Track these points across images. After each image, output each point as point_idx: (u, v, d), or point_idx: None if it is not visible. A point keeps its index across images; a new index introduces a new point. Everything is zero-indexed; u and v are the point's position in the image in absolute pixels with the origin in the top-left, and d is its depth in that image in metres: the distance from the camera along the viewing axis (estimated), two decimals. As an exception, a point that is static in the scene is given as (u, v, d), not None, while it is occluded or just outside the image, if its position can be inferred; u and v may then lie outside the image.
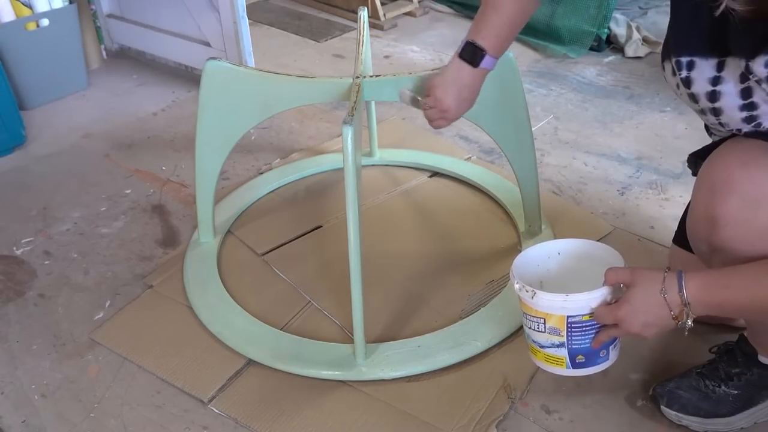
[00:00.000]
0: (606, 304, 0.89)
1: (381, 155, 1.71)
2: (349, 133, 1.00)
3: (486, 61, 1.06)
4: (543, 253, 1.02)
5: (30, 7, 1.94)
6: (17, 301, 1.32)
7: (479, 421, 1.06)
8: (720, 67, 0.81)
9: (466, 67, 1.07)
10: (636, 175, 1.68)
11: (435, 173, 1.67)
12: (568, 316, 0.90)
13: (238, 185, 1.63)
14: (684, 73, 0.85)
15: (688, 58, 0.84)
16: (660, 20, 2.57)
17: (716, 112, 0.84)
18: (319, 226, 1.50)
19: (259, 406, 1.09)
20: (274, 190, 1.63)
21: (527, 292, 0.92)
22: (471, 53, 1.06)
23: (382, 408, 1.09)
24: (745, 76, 0.78)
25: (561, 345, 0.93)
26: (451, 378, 1.14)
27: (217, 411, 1.09)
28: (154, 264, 1.41)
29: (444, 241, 1.46)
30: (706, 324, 1.20)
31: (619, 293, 0.89)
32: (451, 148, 1.79)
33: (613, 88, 2.11)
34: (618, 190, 1.62)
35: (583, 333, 0.91)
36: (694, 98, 0.86)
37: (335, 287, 1.32)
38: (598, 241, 1.42)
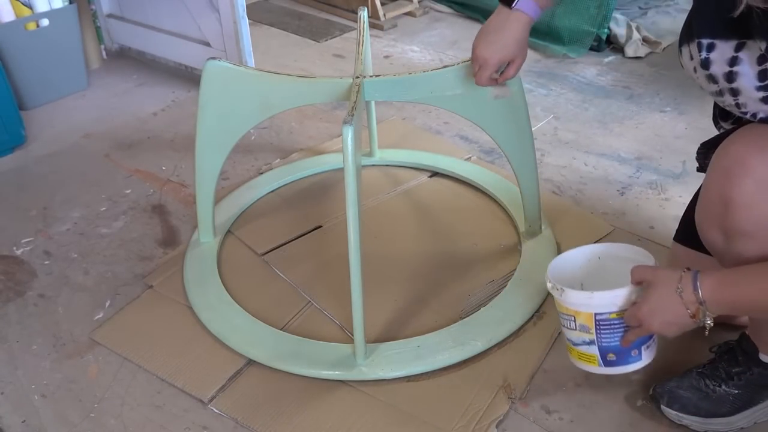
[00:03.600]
0: (632, 302, 0.91)
1: (381, 155, 1.71)
2: (349, 133, 1.00)
3: (521, 2, 1.04)
4: (583, 257, 1.04)
5: (30, 7, 1.94)
6: (17, 301, 1.32)
7: (479, 421, 1.06)
8: (738, 48, 0.82)
9: (501, 10, 1.07)
10: (636, 175, 1.68)
11: (435, 173, 1.67)
12: (595, 314, 0.93)
13: (238, 185, 1.63)
14: (704, 54, 0.86)
15: (709, 40, 0.85)
16: (660, 20, 2.57)
17: (734, 92, 0.85)
18: (319, 226, 1.50)
19: (259, 406, 1.09)
20: (274, 190, 1.63)
21: (557, 290, 0.95)
22: None
23: (382, 408, 1.09)
24: (764, 57, 0.80)
25: (591, 342, 0.95)
26: (451, 378, 1.14)
27: (217, 411, 1.09)
28: (154, 264, 1.41)
29: (444, 241, 1.46)
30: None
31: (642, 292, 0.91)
32: (451, 148, 1.79)
33: (613, 88, 2.11)
34: (618, 190, 1.62)
35: (611, 331, 0.93)
36: (713, 79, 0.87)
37: (335, 287, 1.32)
38: (598, 241, 1.43)
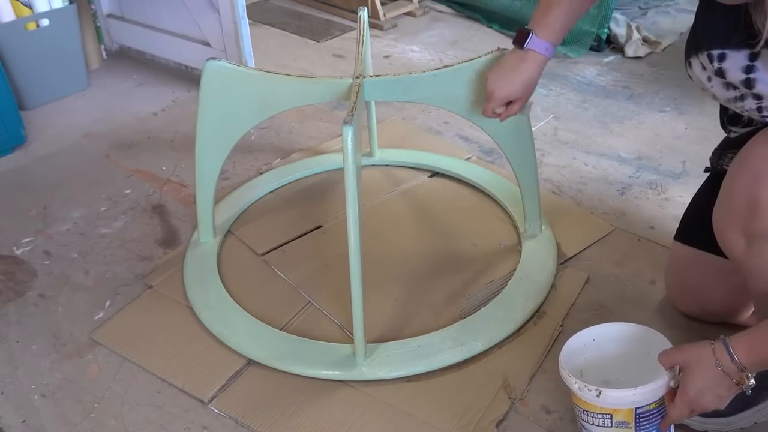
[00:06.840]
0: (670, 388, 0.90)
1: (381, 155, 1.71)
2: (349, 133, 1.00)
3: (534, 42, 1.07)
4: (579, 344, 1.01)
5: (30, 7, 1.94)
6: (17, 301, 1.32)
7: (479, 421, 1.06)
8: (753, 58, 0.82)
9: (514, 50, 1.10)
10: (636, 175, 1.68)
11: (435, 173, 1.67)
12: (636, 408, 0.90)
13: (238, 185, 1.63)
14: (716, 65, 0.86)
15: (720, 51, 0.85)
16: (660, 20, 2.57)
17: (757, 97, 0.85)
18: (319, 226, 1.50)
19: (259, 406, 1.09)
20: (274, 190, 1.63)
21: (590, 391, 0.90)
22: (519, 35, 1.08)
23: (382, 408, 1.09)
24: None
25: None
26: (451, 378, 1.14)
27: (217, 411, 1.09)
28: (154, 264, 1.41)
29: (444, 241, 1.46)
30: (707, 323, 1.21)
31: (677, 375, 0.90)
32: (451, 148, 1.79)
33: (613, 88, 2.11)
34: (618, 190, 1.62)
35: (650, 420, 0.92)
36: (732, 86, 0.87)
37: (335, 287, 1.32)
38: (599, 240, 1.44)
